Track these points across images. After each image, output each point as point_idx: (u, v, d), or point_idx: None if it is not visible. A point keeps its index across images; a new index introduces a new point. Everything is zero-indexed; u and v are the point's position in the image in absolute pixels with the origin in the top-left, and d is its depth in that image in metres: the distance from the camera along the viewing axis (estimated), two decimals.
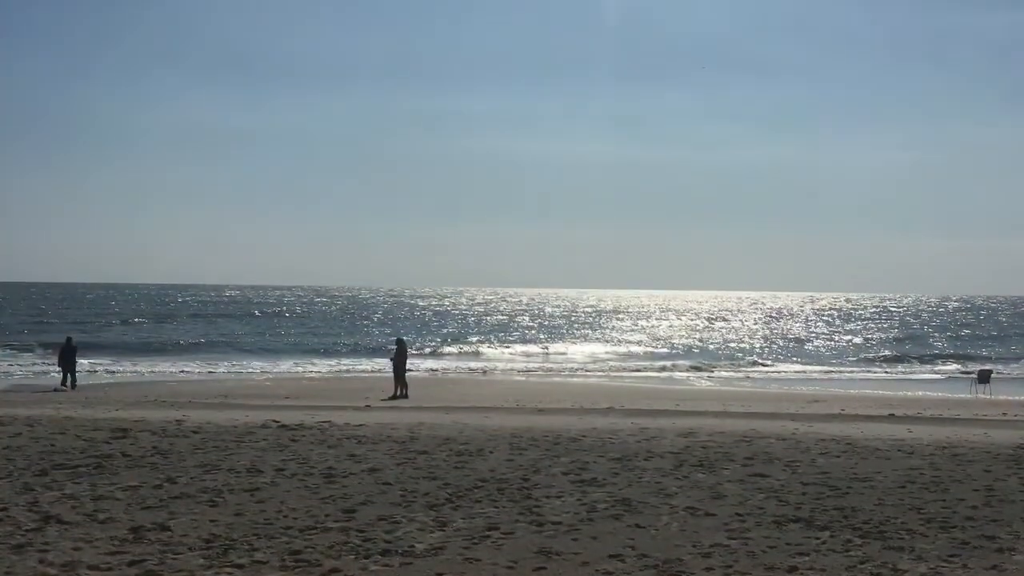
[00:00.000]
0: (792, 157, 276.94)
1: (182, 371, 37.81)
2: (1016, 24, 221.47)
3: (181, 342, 55.13)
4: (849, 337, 73.12)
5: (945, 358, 54.43)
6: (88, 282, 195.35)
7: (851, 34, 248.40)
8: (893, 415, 20.49)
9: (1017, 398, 28.95)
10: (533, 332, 74.32)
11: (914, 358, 54.15)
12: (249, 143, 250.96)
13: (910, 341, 68.87)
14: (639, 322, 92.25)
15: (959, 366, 48.10)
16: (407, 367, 27.33)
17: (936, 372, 45.95)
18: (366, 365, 42.11)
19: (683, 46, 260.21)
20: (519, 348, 57.30)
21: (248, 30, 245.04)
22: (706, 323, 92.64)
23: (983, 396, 30.16)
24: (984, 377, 32.70)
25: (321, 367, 41.53)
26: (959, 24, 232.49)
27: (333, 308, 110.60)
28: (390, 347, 36.80)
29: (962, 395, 30.74)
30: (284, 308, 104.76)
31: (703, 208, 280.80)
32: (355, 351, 52.18)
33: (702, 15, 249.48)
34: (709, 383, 37.34)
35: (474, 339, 64.05)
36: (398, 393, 26.03)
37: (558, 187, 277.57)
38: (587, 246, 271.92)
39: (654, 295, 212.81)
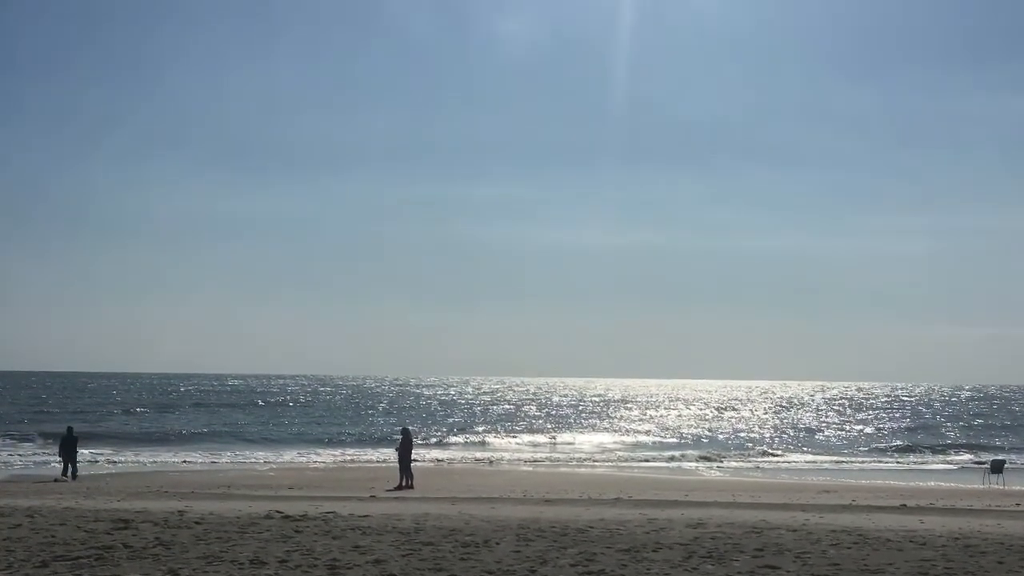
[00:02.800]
0: (802, 244, 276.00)
1: (184, 461, 37.53)
2: None
3: (183, 432, 54.77)
4: (860, 427, 72.34)
5: (958, 448, 53.79)
6: (89, 371, 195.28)
7: (864, 120, 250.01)
8: (905, 506, 20.20)
9: None
10: (540, 421, 73.73)
11: (926, 448, 53.49)
12: (252, 229, 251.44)
13: (922, 431, 68.11)
14: (647, 411, 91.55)
15: (972, 456, 47.51)
16: (412, 457, 27.12)
17: (948, 462, 45.36)
18: (371, 455, 41.76)
19: (694, 131, 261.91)
20: (526, 438, 56.77)
21: (252, 114, 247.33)
22: (715, 412, 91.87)
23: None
24: (997, 467, 32.34)
25: (325, 457, 41.20)
26: (974, 109, 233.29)
27: (337, 397, 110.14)
28: (395, 437, 36.52)
29: (975, 485, 30.34)
30: (288, 397, 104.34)
31: (712, 296, 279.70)
32: (360, 441, 51.79)
33: (713, 100, 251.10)
34: (718, 473, 36.87)
35: (480, 429, 63.55)
36: (403, 483, 25.78)
37: (566, 274, 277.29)
38: (595, 334, 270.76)
39: (663, 384, 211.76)
